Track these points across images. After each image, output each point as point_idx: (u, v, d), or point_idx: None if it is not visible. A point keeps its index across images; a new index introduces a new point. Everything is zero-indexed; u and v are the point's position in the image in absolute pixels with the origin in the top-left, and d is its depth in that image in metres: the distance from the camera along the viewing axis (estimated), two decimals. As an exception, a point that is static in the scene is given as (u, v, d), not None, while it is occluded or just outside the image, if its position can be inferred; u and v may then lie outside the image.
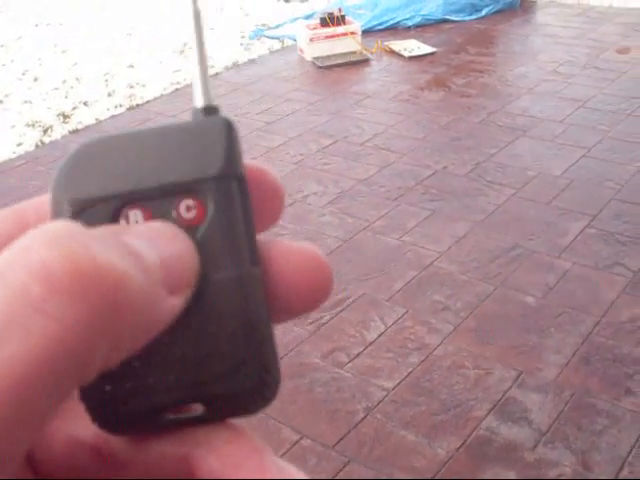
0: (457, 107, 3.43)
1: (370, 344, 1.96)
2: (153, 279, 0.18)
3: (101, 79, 4.28)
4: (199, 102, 0.22)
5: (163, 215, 0.20)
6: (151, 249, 0.18)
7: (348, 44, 4.15)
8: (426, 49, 4.16)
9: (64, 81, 4.31)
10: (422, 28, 4.57)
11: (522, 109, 3.36)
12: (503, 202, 2.61)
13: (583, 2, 4.96)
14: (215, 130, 0.21)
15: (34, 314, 0.16)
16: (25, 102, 4.03)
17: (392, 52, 4.17)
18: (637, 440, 1.63)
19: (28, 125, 3.69)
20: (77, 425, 0.21)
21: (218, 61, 4.32)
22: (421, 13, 4.64)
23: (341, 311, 2.09)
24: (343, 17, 4.21)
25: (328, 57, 4.09)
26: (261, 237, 0.22)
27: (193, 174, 0.20)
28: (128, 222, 0.20)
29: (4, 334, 0.15)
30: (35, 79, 4.39)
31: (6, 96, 4.15)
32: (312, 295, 0.22)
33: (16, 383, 0.15)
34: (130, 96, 3.95)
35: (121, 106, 3.82)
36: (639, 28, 4.44)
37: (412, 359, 1.90)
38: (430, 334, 1.99)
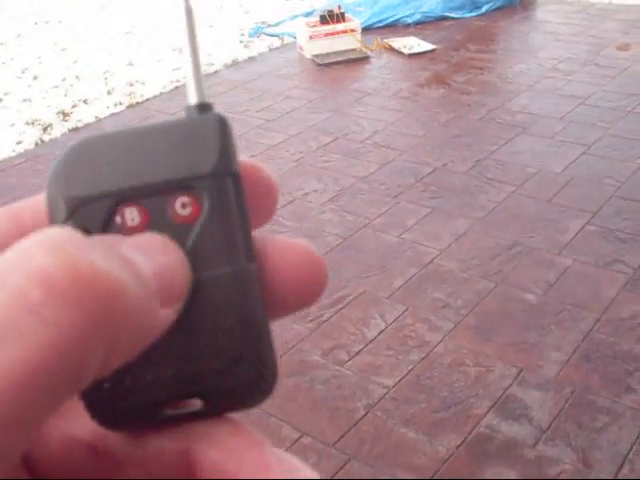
0: (457, 104, 3.43)
1: (370, 342, 1.96)
2: (148, 290, 0.18)
3: (101, 77, 4.28)
4: (193, 99, 0.22)
5: (159, 212, 0.21)
6: (145, 261, 0.19)
7: (348, 41, 4.15)
8: (426, 46, 4.15)
9: (64, 79, 4.30)
10: (422, 25, 4.57)
11: (522, 106, 3.36)
12: (503, 199, 2.61)
13: (583, -1, 4.96)
14: (209, 127, 0.21)
15: (31, 318, 0.16)
16: (25, 100, 4.03)
17: (392, 49, 4.17)
18: (637, 437, 1.63)
19: (28, 123, 3.68)
20: (74, 423, 0.21)
21: (218, 59, 4.31)
22: (421, 10, 4.64)
23: (341, 308, 2.09)
24: (343, 14, 4.20)
25: (328, 54, 4.09)
26: (256, 233, 0.22)
27: (188, 171, 0.21)
28: (124, 220, 0.20)
29: (2, 338, 0.15)
30: (35, 77, 4.39)
31: (6, 94, 4.15)
32: (307, 290, 0.22)
33: (11, 386, 0.15)
34: (130, 94, 3.95)
35: (121, 104, 3.82)
36: (639, 25, 4.44)
37: (412, 357, 1.90)
38: (430, 332, 1.99)
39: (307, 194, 2.72)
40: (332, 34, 4.13)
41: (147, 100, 3.83)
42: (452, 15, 4.67)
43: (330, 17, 4.16)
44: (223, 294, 0.20)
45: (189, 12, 0.22)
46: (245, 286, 0.20)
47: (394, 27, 4.56)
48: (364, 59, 4.08)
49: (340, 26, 4.15)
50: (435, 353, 1.91)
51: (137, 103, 3.80)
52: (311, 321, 2.04)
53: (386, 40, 4.25)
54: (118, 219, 0.20)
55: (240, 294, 0.20)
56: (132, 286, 0.17)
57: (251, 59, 4.31)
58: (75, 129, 3.53)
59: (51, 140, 3.44)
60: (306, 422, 1.72)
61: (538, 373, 1.82)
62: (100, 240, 0.19)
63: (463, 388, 1.79)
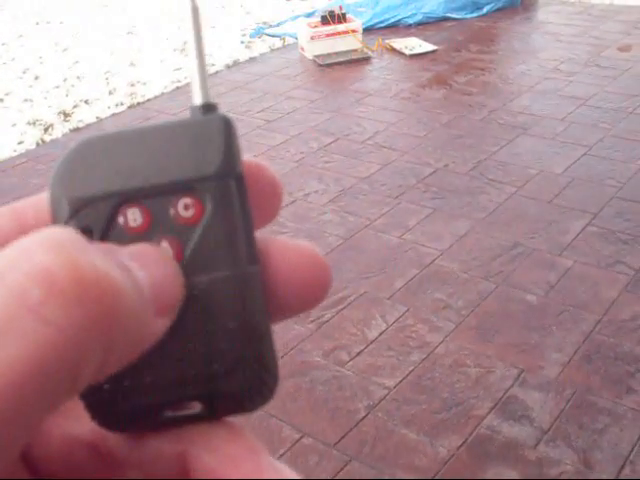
0: (458, 105, 3.43)
1: (371, 342, 1.96)
2: (144, 298, 0.18)
3: (102, 77, 4.28)
4: (197, 100, 0.22)
5: (161, 213, 0.20)
6: (142, 271, 0.19)
7: (349, 42, 4.15)
8: (427, 47, 4.15)
9: (65, 79, 4.31)
10: (423, 26, 4.57)
11: (523, 107, 3.36)
12: (504, 200, 2.61)
13: (584, 0, 4.95)
14: (213, 128, 0.21)
15: (30, 316, 0.16)
16: (26, 100, 4.03)
17: (393, 50, 4.17)
18: (639, 439, 1.63)
19: (29, 123, 3.69)
20: (74, 423, 0.21)
21: (219, 59, 4.31)
22: (422, 11, 4.63)
23: (342, 309, 2.09)
24: (344, 15, 4.20)
25: (329, 55, 4.09)
26: (259, 235, 0.22)
27: (191, 172, 0.20)
28: (126, 220, 0.20)
29: (1, 336, 0.15)
30: (36, 77, 4.39)
31: (7, 94, 4.15)
32: (310, 292, 0.22)
33: (8, 384, 0.15)
34: (131, 94, 3.95)
35: (122, 104, 3.82)
36: (640, 26, 4.44)
37: (413, 357, 1.90)
38: (431, 332, 1.99)
39: (308, 195, 2.71)
40: (333, 35, 4.13)
41: (148, 100, 3.83)
42: (453, 16, 4.67)
43: (331, 18, 4.16)
44: (225, 297, 0.20)
45: (195, 11, 0.22)
46: (247, 289, 0.20)
47: (395, 28, 4.56)
48: (365, 60, 4.08)
49: (341, 27, 4.15)
50: (436, 354, 1.91)
51: (138, 103, 3.81)
52: (312, 322, 2.04)
53: (387, 41, 4.25)
54: (121, 220, 0.20)
55: (242, 297, 0.20)
56: (129, 290, 0.17)
57: (252, 60, 4.31)
58: (76, 129, 3.54)
59: (52, 140, 3.44)
60: (307, 423, 1.72)
61: (539, 374, 1.82)
62: (102, 248, 0.19)
63: (464, 389, 1.79)
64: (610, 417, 1.68)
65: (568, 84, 3.59)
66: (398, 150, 3.02)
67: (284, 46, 4.53)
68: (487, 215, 2.52)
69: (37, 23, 5.61)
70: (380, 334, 1.99)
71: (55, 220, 0.20)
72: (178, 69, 4.28)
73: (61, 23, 5.54)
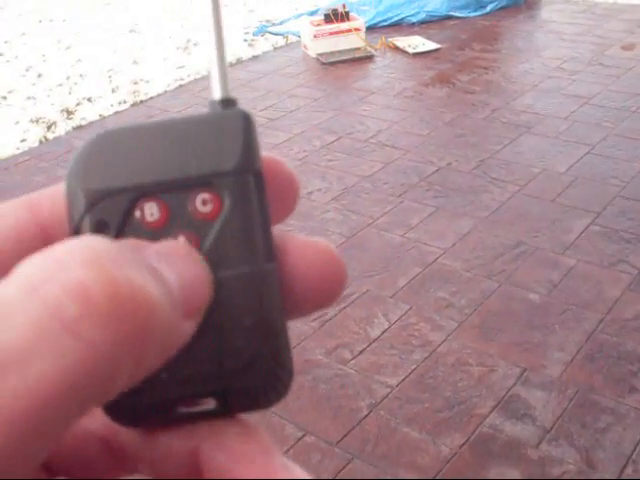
0: (461, 104, 3.42)
1: (374, 341, 1.96)
2: (174, 303, 0.18)
3: (105, 75, 4.28)
4: (217, 94, 0.21)
5: (179, 208, 0.20)
6: (171, 272, 0.18)
7: (352, 40, 4.14)
8: (430, 45, 4.15)
9: (68, 77, 4.31)
10: (426, 24, 4.56)
11: (526, 106, 3.35)
12: (507, 199, 2.60)
13: (588, -2, 4.95)
14: (233, 123, 0.21)
15: (64, 332, 0.15)
16: (29, 98, 4.03)
17: (396, 48, 4.17)
18: (641, 438, 1.63)
19: (32, 121, 3.69)
20: (87, 417, 0.21)
21: (222, 57, 4.31)
22: (425, 9, 4.63)
23: (345, 307, 2.09)
24: (347, 13, 4.20)
25: (332, 53, 4.09)
26: (275, 231, 0.22)
27: (210, 167, 0.20)
28: (143, 214, 0.20)
29: (34, 351, 0.15)
30: (39, 75, 4.39)
31: (10, 92, 4.15)
32: (326, 289, 0.22)
33: (39, 399, 0.15)
34: (134, 92, 3.95)
35: (125, 102, 3.83)
36: (644, 25, 4.43)
37: (416, 356, 1.90)
38: (434, 331, 1.98)
39: (311, 193, 2.71)
40: (336, 33, 4.13)
41: (151, 98, 3.83)
42: (457, 14, 4.66)
43: (334, 16, 4.16)
44: (241, 293, 0.20)
45: (215, 2, 0.21)
46: (264, 286, 0.20)
47: (399, 26, 4.55)
48: (368, 58, 4.08)
49: (344, 25, 4.15)
50: (438, 352, 1.91)
51: (141, 101, 3.81)
52: (314, 320, 2.04)
53: (390, 39, 4.24)
54: (137, 214, 0.20)
55: (258, 294, 0.20)
56: (162, 302, 0.17)
57: (255, 58, 4.31)
58: (79, 127, 3.54)
59: (55, 138, 3.45)
60: (309, 421, 1.72)
61: (542, 373, 1.82)
62: (129, 247, 0.18)
63: (466, 388, 1.79)
64: (613, 416, 1.68)
65: (571, 83, 3.58)
66: (401, 148, 3.02)
67: (287, 44, 4.52)
68: (490, 214, 2.52)
69: (40, 21, 5.61)
70: (383, 332, 1.99)
71: (71, 212, 0.20)
72: (181, 67, 4.28)
73: (64, 21, 5.54)
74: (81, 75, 4.32)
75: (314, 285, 0.21)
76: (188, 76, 4.10)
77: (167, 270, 0.18)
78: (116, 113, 3.68)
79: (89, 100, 3.91)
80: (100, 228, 0.20)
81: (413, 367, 1.87)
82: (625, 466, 1.56)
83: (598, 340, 1.91)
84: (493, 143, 3.01)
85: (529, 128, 3.13)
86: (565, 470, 1.56)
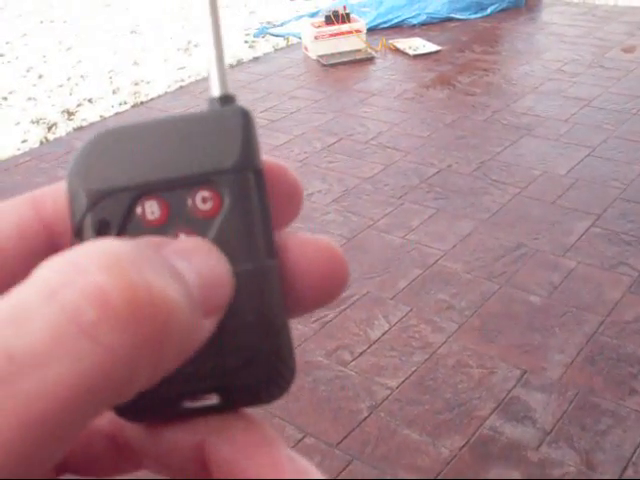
0: (462, 105, 3.42)
1: (374, 342, 1.96)
2: (194, 303, 0.18)
3: (105, 76, 4.28)
4: (215, 91, 0.21)
5: (179, 206, 0.20)
6: (191, 271, 0.18)
7: (353, 42, 4.15)
8: (431, 47, 4.15)
9: (68, 78, 4.31)
10: (427, 26, 4.56)
11: (527, 108, 3.35)
12: (508, 201, 2.60)
13: (588, 1, 4.95)
14: (232, 120, 0.21)
15: (83, 338, 0.15)
16: (29, 99, 4.03)
17: (397, 50, 4.17)
18: (642, 440, 1.63)
19: (33, 122, 3.69)
20: None
21: (222, 59, 4.31)
22: (426, 11, 4.63)
23: (345, 309, 2.09)
24: (348, 15, 4.20)
25: (333, 55, 4.09)
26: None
27: (210, 165, 0.20)
28: (144, 213, 0.20)
29: (52, 354, 0.15)
30: (40, 76, 4.39)
31: (10, 93, 4.16)
32: (328, 286, 0.22)
33: (57, 402, 0.15)
34: (135, 93, 3.95)
35: (125, 103, 3.83)
36: (645, 27, 4.43)
37: (416, 358, 1.90)
38: (434, 333, 1.98)
39: (311, 195, 2.71)
40: (337, 35, 4.13)
41: (152, 100, 3.83)
42: (457, 16, 4.67)
43: (335, 18, 4.16)
44: (243, 290, 0.20)
45: (213, 1, 0.21)
46: (265, 283, 0.20)
47: (399, 28, 4.56)
48: (369, 60, 4.08)
49: (345, 27, 4.15)
50: (439, 354, 1.91)
51: (142, 103, 3.81)
52: (315, 321, 2.04)
53: (391, 41, 4.24)
54: (139, 212, 0.20)
55: (260, 291, 0.20)
56: (181, 304, 0.17)
57: (256, 59, 4.31)
58: (80, 128, 3.54)
59: (56, 139, 3.45)
60: (309, 422, 1.72)
61: (542, 375, 1.82)
62: (148, 245, 0.18)
63: (467, 389, 1.79)
64: (613, 418, 1.68)
65: (572, 85, 3.58)
66: (401, 150, 3.02)
67: (288, 46, 4.53)
68: (490, 216, 2.52)
69: (41, 22, 5.62)
70: (383, 334, 1.99)
71: (73, 211, 0.20)
72: (182, 68, 4.28)
73: (65, 22, 5.54)
74: (82, 76, 4.33)
75: (316, 282, 0.21)
76: (189, 77, 4.10)
77: (187, 269, 0.18)
78: (117, 114, 3.68)
79: (90, 101, 3.91)
80: (102, 227, 0.20)
81: (413, 369, 1.87)
82: (625, 468, 1.56)
83: (598, 342, 1.91)
84: (493, 145, 3.01)
85: (529, 130, 3.13)
86: (565, 472, 1.56)
